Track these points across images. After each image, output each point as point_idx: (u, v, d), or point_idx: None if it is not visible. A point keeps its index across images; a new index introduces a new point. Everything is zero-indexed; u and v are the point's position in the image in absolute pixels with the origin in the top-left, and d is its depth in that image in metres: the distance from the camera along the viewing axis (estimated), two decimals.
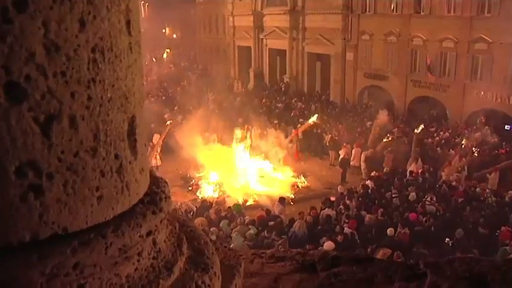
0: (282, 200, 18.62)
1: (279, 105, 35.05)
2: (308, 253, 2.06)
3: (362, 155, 23.48)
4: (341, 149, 24.25)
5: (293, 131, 26.80)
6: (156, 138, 26.37)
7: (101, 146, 1.26)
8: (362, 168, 23.51)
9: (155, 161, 22.93)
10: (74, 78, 1.17)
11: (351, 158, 24.17)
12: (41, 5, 1.09)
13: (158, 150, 23.80)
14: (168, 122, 25.04)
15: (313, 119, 26.97)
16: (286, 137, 26.93)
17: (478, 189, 18.17)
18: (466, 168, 20.98)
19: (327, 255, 2.03)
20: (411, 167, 21.58)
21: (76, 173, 1.21)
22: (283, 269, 2.12)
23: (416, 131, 23.10)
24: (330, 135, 26.47)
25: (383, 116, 26.54)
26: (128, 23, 1.32)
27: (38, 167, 1.16)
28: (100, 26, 1.21)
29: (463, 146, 22.29)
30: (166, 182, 1.60)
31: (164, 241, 1.52)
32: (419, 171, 20.50)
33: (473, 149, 21.79)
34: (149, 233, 1.39)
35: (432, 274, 2.14)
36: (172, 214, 1.73)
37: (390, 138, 23.81)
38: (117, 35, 1.27)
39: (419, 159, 21.85)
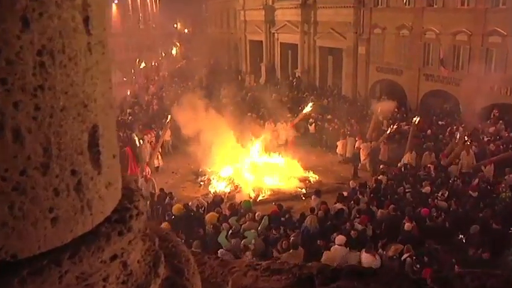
0: (317, 192, 18.65)
1: (285, 99, 34.87)
2: (306, 266, 1.90)
3: (362, 147, 23.47)
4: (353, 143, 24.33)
5: (289, 123, 26.90)
6: (168, 134, 26.46)
7: (53, 162, 1.11)
8: (361, 159, 23.56)
9: (157, 161, 22.75)
10: (17, 86, 1.02)
11: (355, 151, 24.31)
12: None
13: (160, 150, 23.64)
14: (168, 119, 24.92)
15: (308, 108, 26.88)
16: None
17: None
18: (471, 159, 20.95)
19: (326, 268, 1.88)
20: (405, 157, 21.62)
21: (24, 193, 1.07)
22: (279, 283, 1.96)
23: (413, 120, 22.81)
24: (342, 130, 26.32)
25: (382, 107, 26.26)
26: (86, 20, 1.16)
27: None
28: (48, 24, 1.06)
29: (456, 140, 22.13)
30: (141, 196, 1.44)
31: (138, 261, 1.37)
32: (431, 165, 20.31)
33: (465, 137, 21.61)
34: (114, 257, 1.24)
35: None
36: (154, 227, 1.58)
37: (393, 130, 23.57)
38: (71, 35, 1.11)
39: (414, 150, 22.01)
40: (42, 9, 1.04)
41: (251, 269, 1.96)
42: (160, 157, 23.50)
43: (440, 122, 27.15)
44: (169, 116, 25.07)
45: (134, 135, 23.55)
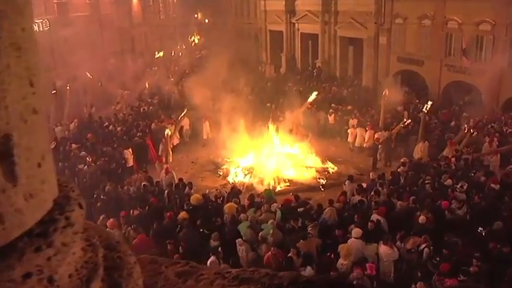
0: (351, 177, 19.12)
1: (300, 89, 34.74)
2: (277, 276, 1.80)
3: (377, 136, 23.39)
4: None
5: (294, 111, 26.75)
6: (186, 123, 26.56)
7: None
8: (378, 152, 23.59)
9: (169, 157, 22.62)
10: None
11: (365, 140, 24.32)
12: None
13: (171, 146, 23.49)
14: (182, 114, 24.89)
15: (312, 97, 26.80)
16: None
17: None
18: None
19: (298, 278, 1.78)
20: (418, 147, 21.65)
21: None
22: None
23: (423, 110, 22.49)
24: (356, 120, 26.19)
25: (389, 91, 25.95)
26: None
27: None
28: None
29: (465, 130, 21.92)
30: (79, 205, 1.34)
31: (70, 275, 1.27)
32: (452, 156, 20.16)
33: (471, 130, 21.40)
34: (27, 275, 1.15)
35: None
36: (105, 235, 1.50)
37: (405, 124, 23.37)
38: None
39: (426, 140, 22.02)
40: None
41: (220, 277, 1.85)
42: (170, 153, 23.22)
43: (464, 114, 26.68)
44: (185, 110, 25.19)
45: (167, 127, 23.46)
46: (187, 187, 18.52)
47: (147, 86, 35.83)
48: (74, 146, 22.92)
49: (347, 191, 17.76)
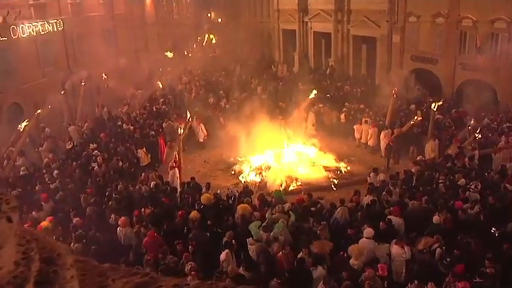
0: (375, 169, 19.40)
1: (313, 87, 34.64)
2: None
3: (383, 134, 23.35)
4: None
5: (297, 110, 26.91)
6: (198, 121, 26.50)
7: None
8: (382, 148, 23.63)
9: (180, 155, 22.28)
10: None
11: (368, 138, 24.23)
12: None
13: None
14: (188, 116, 24.78)
15: (312, 95, 26.83)
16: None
17: None
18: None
19: None
20: (429, 145, 21.53)
21: None
22: None
23: (432, 108, 22.27)
24: (365, 119, 26.01)
25: (397, 87, 25.76)
26: None
27: None
28: None
29: (469, 127, 21.74)
30: (8, 218, 1.24)
31: None
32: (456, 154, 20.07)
33: (476, 132, 21.23)
34: None
35: None
36: (50, 247, 1.43)
37: (418, 119, 23.17)
38: None
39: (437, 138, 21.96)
40: None
41: None
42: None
43: (482, 114, 26.36)
44: (196, 109, 25.16)
45: (177, 125, 23.28)
46: (204, 187, 18.43)
47: (160, 86, 35.83)
48: (91, 146, 22.88)
49: (371, 182, 18.17)
